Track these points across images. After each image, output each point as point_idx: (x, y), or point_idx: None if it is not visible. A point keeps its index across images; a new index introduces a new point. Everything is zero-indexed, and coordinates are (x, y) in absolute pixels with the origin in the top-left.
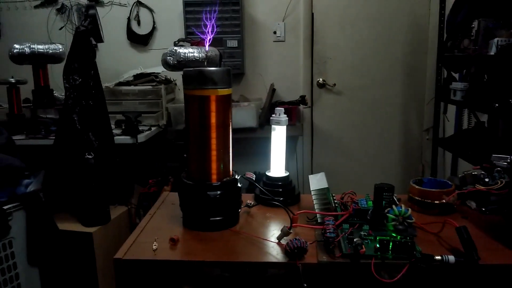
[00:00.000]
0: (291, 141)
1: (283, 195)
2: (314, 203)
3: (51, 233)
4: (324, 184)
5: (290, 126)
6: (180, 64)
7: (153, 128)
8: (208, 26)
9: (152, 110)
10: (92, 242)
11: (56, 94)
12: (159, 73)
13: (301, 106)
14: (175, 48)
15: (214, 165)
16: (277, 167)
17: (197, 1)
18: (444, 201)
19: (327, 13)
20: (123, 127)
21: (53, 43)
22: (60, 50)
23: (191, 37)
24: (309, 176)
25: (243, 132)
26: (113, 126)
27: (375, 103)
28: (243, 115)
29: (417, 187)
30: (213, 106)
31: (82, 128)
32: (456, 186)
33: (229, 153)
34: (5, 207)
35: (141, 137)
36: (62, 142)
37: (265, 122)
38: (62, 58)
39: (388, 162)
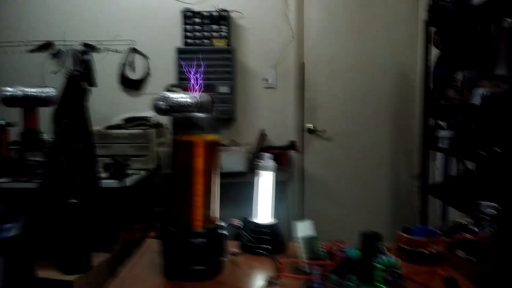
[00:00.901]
0: (281, 186)
1: (270, 243)
2: (301, 251)
3: (30, 281)
4: (312, 232)
5: (280, 171)
6: (172, 109)
7: (142, 172)
8: (199, 73)
9: (142, 153)
10: None
11: (45, 137)
12: (151, 117)
13: (292, 152)
14: (167, 93)
15: (198, 212)
16: (264, 214)
17: (190, 49)
18: (433, 250)
19: (317, 61)
20: (111, 171)
21: (46, 87)
22: (53, 94)
23: (183, 83)
24: (295, 222)
25: (232, 177)
26: (101, 169)
27: (365, 149)
28: (233, 160)
29: (405, 235)
30: (199, 151)
31: (70, 171)
32: (445, 234)
33: (215, 199)
34: None
35: (129, 181)
36: (47, 185)
37: (254, 167)
38: (54, 101)
39: (378, 208)
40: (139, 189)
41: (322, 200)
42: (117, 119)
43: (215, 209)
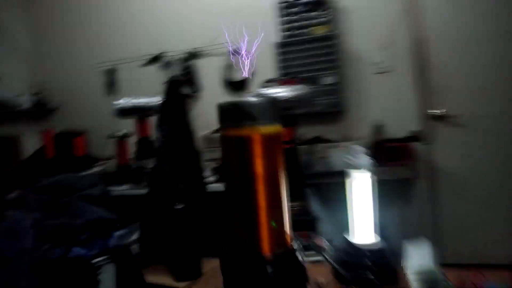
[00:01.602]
0: (404, 185)
1: (372, 270)
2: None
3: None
4: (429, 263)
5: (401, 167)
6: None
7: None
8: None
9: None
10: None
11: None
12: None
13: (415, 144)
14: (264, 89)
15: (263, 231)
16: (363, 231)
17: (289, 42)
18: None
19: (441, 35)
20: (218, 173)
21: (155, 96)
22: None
23: (281, 78)
24: (407, 246)
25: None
26: (209, 173)
27: (508, 137)
28: (340, 157)
29: None
30: (257, 150)
31: (172, 177)
32: None
33: (285, 212)
34: (95, 261)
35: None
36: (154, 192)
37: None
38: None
39: None
40: None
41: (457, 200)
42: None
43: (286, 225)
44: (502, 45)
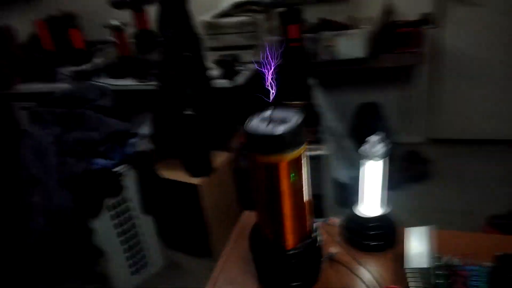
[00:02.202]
0: (408, 70)
1: (375, 238)
2: (409, 283)
3: (159, 186)
4: (424, 260)
5: (408, 53)
6: (277, 1)
7: (251, 66)
8: None
9: (251, 43)
10: (198, 193)
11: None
12: (259, 0)
13: (426, 28)
14: None
15: (289, 233)
16: (371, 205)
17: None
18: None
19: None
20: (222, 69)
21: None
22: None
23: None
24: (407, 229)
25: (351, 64)
26: (212, 66)
27: None
28: (350, 45)
29: None
30: (284, 173)
31: (180, 83)
32: None
33: (305, 214)
34: (117, 169)
35: (240, 80)
36: (163, 97)
37: (379, 51)
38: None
39: None
40: (250, 85)
41: (458, 79)
42: (223, 5)
43: (306, 223)
44: None
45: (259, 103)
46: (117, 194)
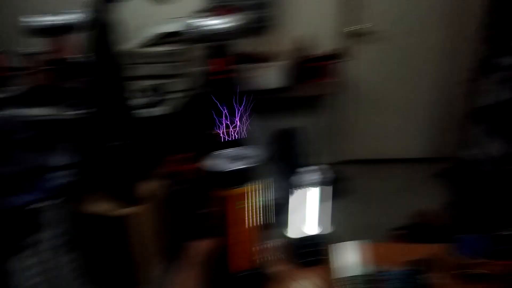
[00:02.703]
0: (321, 98)
1: (313, 255)
2: None
3: (83, 221)
4: (356, 268)
5: (321, 83)
6: (204, 37)
7: (179, 95)
8: None
9: (178, 73)
10: (126, 225)
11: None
12: (182, 32)
13: (335, 61)
14: (198, 20)
15: (238, 256)
16: (309, 226)
17: None
18: (484, 272)
19: None
20: (148, 96)
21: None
22: (80, 19)
23: (214, 6)
24: (339, 244)
25: (271, 93)
26: (138, 94)
27: (414, 51)
28: (269, 76)
29: (456, 253)
30: (234, 205)
31: (104, 112)
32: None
33: (255, 238)
34: (36, 205)
35: (167, 109)
36: (86, 127)
37: (295, 82)
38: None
39: (423, 113)
40: (178, 113)
41: (365, 108)
42: (148, 35)
43: (257, 246)
44: None
45: (186, 132)
46: (35, 231)
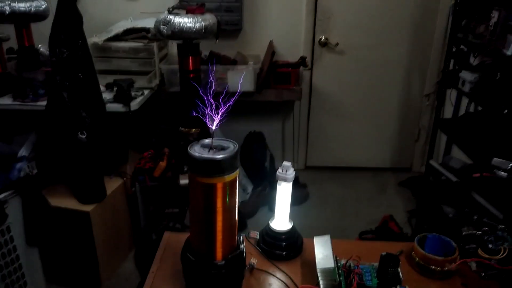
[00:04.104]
0: (288, 104)
1: (286, 248)
2: (320, 281)
3: (46, 214)
4: (330, 261)
5: (288, 90)
6: (175, 34)
7: (146, 92)
8: None
9: (144, 69)
10: (90, 220)
11: (42, 49)
12: (150, 28)
13: (301, 68)
14: (170, 16)
15: (219, 245)
16: (281, 221)
17: None
18: (446, 268)
19: None
20: (114, 91)
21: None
22: (43, 7)
23: (187, 2)
24: (314, 237)
25: (240, 96)
26: (103, 89)
27: (378, 64)
28: (239, 78)
29: (421, 251)
30: (220, 192)
31: (73, 105)
32: (458, 245)
33: (234, 229)
34: (0, 196)
35: (134, 105)
36: (52, 119)
37: (263, 86)
38: (46, 15)
39: (387, 125)
40: (145, 109)
41: (329, 116)
42: (115, 29)
43: (234, 237)
44: None
45: (154, 128)
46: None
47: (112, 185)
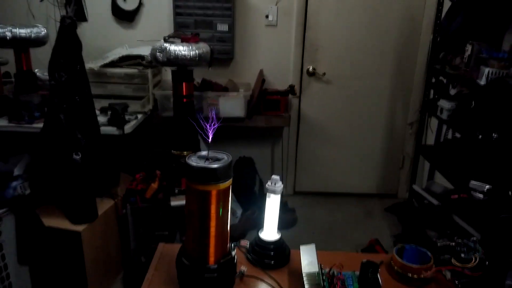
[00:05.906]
0: (277, 130)
1: (274, 257)
2: (305, 285)
3: (39, 233)
4: (315, 267)
5: (277, 116)
6: (170, 61)
7: (139, 116)
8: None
9: (138, 95)
10: (81, 240)
11: (38, 74)
12: (146, 56)
13: (290, 96)
14: (165, 44)
15: (212, 250)
16: (270, 231)
17: None
18: (423, 276)
19: None
20: (108, 115)
21: (36, 25)
22: (43, 33)
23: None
24: (300, 246)
25: (231, 121)
26: (98, 112)
27: (363, 94)
28: (231, 105)
29: (399, 260)
30: (214, 199)
31: (69, 126)
32: (434, 255)
33: (227, 235)
34: None
35: (128, 128)
36: (48, 140)
37: (253, 113)
38: (45, 41)
39: (373, 152)
40: (138, 133)
41: (317, 142)
42: (111, 56)
43: (226, 242)
44: (365, 16)
45: (146, 151)
46: None
47: (104, 206)
